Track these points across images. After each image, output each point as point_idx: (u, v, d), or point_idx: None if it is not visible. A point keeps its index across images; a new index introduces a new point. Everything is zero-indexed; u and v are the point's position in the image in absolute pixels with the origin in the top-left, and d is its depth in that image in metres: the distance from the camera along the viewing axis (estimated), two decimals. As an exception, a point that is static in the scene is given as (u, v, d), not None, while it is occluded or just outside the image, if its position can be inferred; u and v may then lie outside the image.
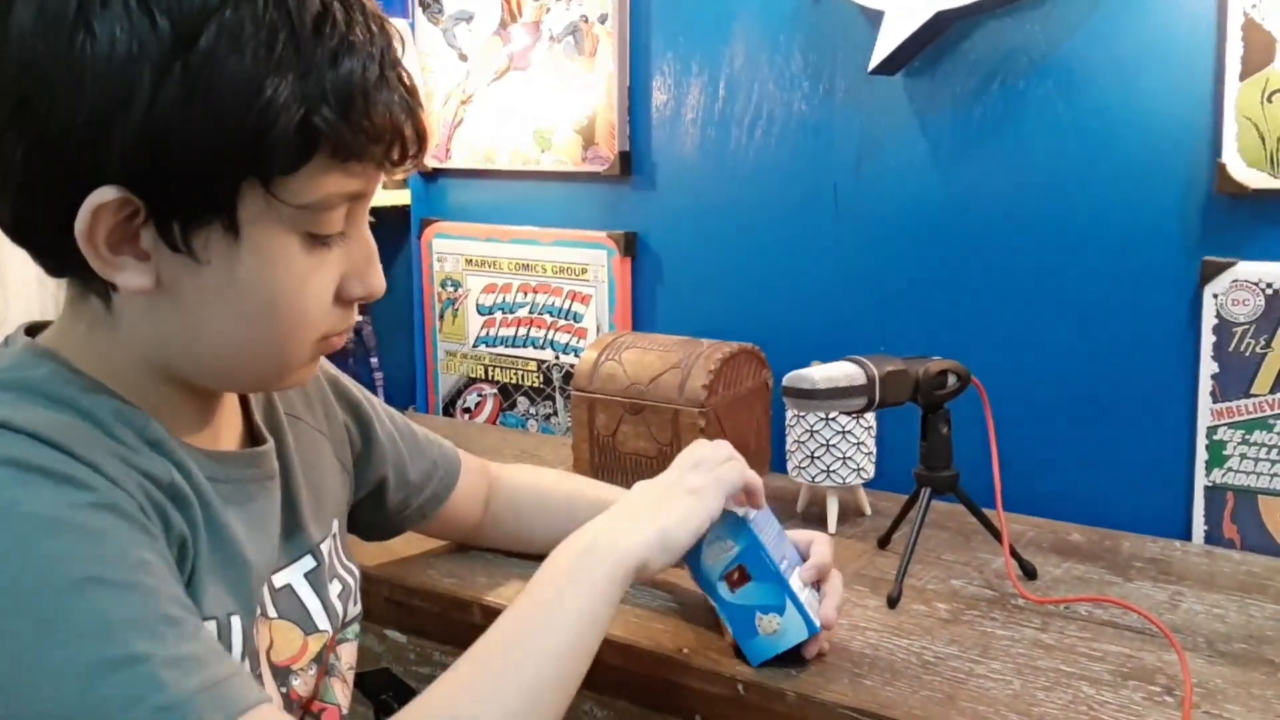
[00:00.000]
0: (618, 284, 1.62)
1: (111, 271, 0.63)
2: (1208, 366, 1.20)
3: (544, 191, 1.70)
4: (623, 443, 1.35)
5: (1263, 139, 1.14)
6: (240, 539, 0.72)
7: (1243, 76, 1.14)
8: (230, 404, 0.78)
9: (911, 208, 1.38)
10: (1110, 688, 0.87)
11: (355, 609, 0.87)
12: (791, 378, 1.04)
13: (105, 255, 0.62)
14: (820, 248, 1.45)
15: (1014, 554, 1.07)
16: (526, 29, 1.66)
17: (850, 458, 1.22)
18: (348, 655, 0.86)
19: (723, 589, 0.91)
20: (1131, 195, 1.24)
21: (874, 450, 1.25)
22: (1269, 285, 1.16)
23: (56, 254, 0.65)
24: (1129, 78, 1.23)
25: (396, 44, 0.67)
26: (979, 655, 0.93)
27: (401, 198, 1.88)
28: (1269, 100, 1.13)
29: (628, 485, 0.92)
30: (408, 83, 0.67)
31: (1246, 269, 1.17)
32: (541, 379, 1.73)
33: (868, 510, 1.28)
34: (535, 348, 1.73)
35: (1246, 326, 1.18)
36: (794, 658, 0.90)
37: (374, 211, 0.72)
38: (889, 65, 1.33)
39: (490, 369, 1.78)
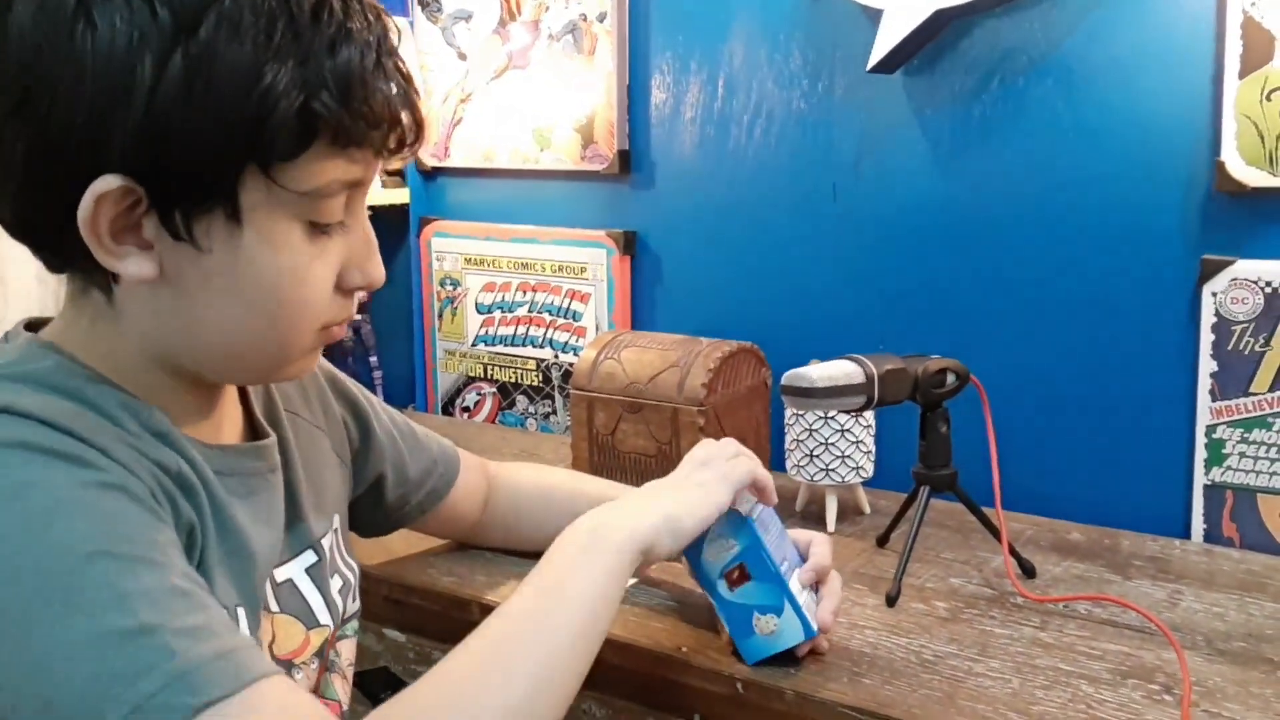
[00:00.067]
0: (617, 283, 1.62)
1: (114, 261, 0.63)
2: (1207, 365, 1.20)
3: (543, 190, 1.70)
4: (622, 441, 1.35)
5: (1262, 137, 1.14)
6: (245, 531, 0.72)
7: (1242, 75, 1.14)
8: (231, 398, 0.78)
9: (911, 206, 1.38)
10: (1109, 686, 0.87)
11: (355, 605, 0.88)
12: (790, 376, 1.04)
13: (108, 245, 0.63)
14: (819, 246, 1.45)
15: (1013, 552, 1.07)
16: (525, 27, 1.66)
17: (849, 456, 1.22)
18: (347, 651, 0.86)
19: (722, 587, 0.91)
20: (1130, 193, 1.24)
21: (873, 449, 1.25)
22: (1268, 283, 1.16)
23: (58, 248, 0.65)
24: (1128, 76, 1.23)
25: (393, 34, 0.68)
26: (978, 654, 0.93)
27: (401, 196, 1.88)
28: (1268, 99, 1.13)
29: (627, 484, 0.92)
30: (404, 71, 0.68)
31: (1245, 267, 1.17)
32: (540, 378, 1.73)
33: (866, 509, 1.28)
34: (534, 346, 1.73)
35: (1245, 325, 1.18)
36: (789, 656, 0.90)
37: (373, 210, 0.73)
38: (888, 64, 1.33)
39: (489, 368, 1.78)
